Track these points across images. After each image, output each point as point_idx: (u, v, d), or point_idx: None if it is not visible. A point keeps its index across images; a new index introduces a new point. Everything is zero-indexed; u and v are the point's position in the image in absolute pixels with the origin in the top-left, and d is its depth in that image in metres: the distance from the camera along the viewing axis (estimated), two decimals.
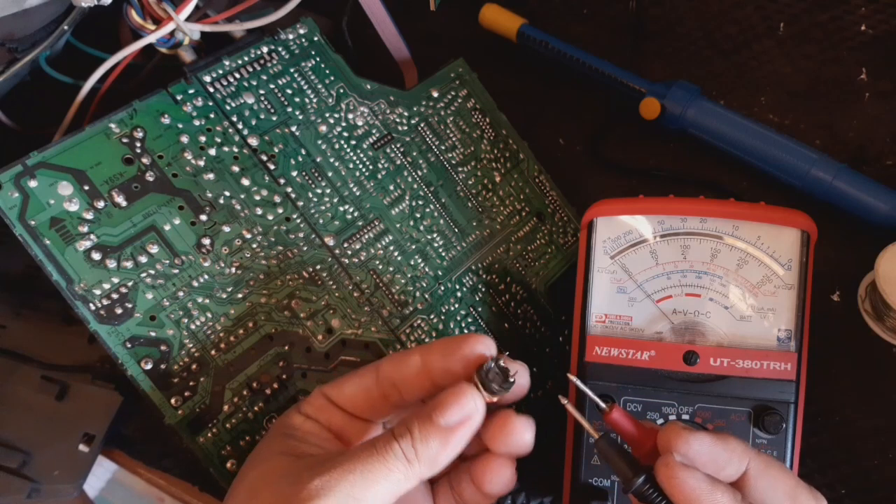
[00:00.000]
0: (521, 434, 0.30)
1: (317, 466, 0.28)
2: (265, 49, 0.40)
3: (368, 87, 0.42)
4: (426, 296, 0.40)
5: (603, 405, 0.30)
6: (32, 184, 0.33)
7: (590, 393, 0.30)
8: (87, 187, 0.34)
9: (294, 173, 0.38)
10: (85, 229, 0.34)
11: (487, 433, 0.31)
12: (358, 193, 0.40)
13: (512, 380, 0.30)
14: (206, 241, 0.36)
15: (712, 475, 0.28)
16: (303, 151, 0.39)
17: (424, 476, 0.29)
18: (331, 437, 0.31)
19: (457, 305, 0.40)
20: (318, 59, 0.41)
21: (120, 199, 0.35)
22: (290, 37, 0.41)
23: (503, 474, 0.31)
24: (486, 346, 0.30)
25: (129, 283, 0.34)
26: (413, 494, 0.31)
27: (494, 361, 0.30)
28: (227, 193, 0.37)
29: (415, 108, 0.43)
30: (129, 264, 0.34)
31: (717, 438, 0.29)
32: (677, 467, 0.28)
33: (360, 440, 0.32)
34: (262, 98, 0.39)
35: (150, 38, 0.39)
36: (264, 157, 0.38)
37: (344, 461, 0.28)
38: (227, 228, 0.37)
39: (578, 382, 0.30)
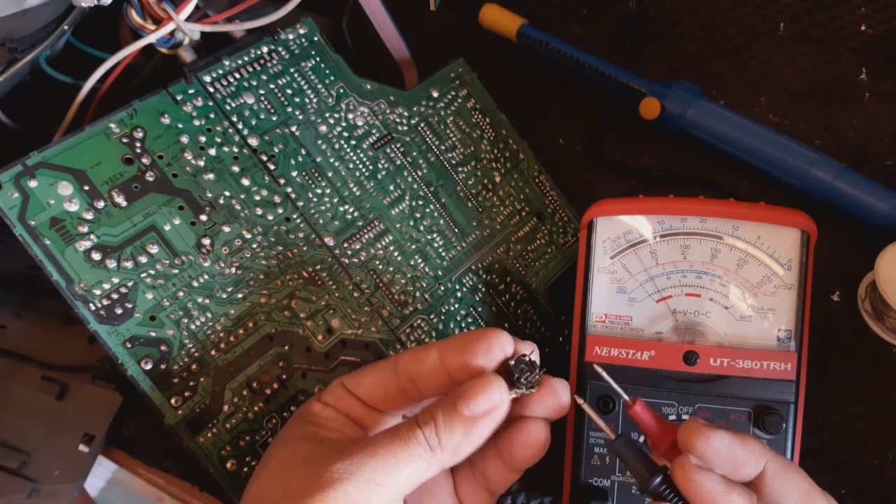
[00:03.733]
0: (540, 441, 0.31)
1: (340, 450, 0.28)
2: (265, 49, 0.40)
3: (368, 87, 0.42)
4: (426, 296, 0.40)
5: (626, 397, 0.30)
6: (32, 184, 0.33)
7: (613, 384, 0.30)
8: (87, 187, 0.34)
9: (294, 173, 0.38)
10: (85, 229, 0.34)
11: (506, 443, 0.31)
12: (358, 193, 0.40)
13: (538, 375, 0.30)
14: (206, 242, 0.36)
15: (729, 475, 0.29)
16: (303, 151, 0.39)
17: (446, 464, 0.29)
18: (350, 423, 0.31)
19: (457, 305, 0.40)
20: (318, 59, 0.41)
21: (120, 199, 0.35)
22: (290, 37, 0.41)
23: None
24: (502, 342, 0.30)
25: (129, 284, 0.34)
26: (433, 478, 0.31)
27: (525, 356, 0.30)
28: (227, 193, 0.37)
29: (415, 108, 0.43)
30: (129, 264, 0.34)
31: (736, 437, 0.29)
32: (693, 469, 0.28)
33: (379, 428, 0.32)
34: (262, 98, 0.39)
35: (150, 38, 0.39)
36: (264, 157, 0.38)
37: (367, 446, 0.28)
38: (227, 228, 0.37)
39: (604, 373, 0.30)
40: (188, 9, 0.39)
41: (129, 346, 0.33)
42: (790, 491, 0.29)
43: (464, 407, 0.28)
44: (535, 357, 0.31)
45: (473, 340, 0.30)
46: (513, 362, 0.30)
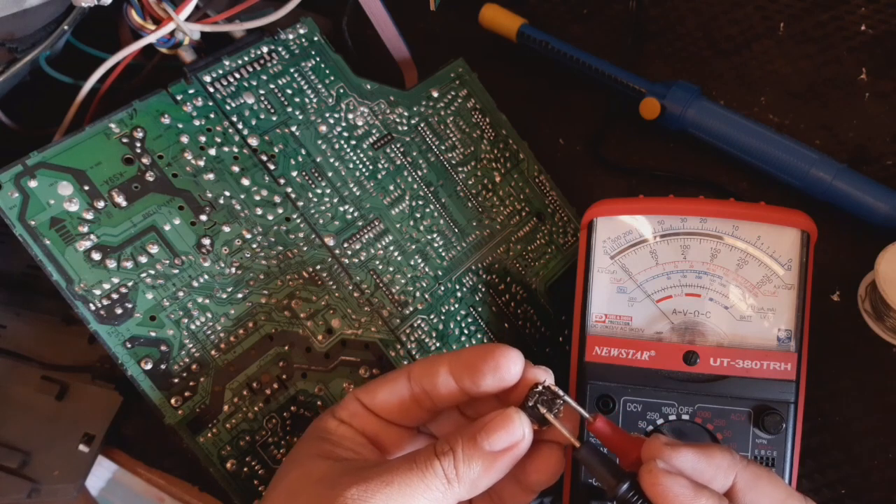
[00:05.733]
0: (557, 470, 0.30)
1: (354, 473, 0.27)
2: (265, 49, 0.40)
3: (368, 87, 0.42)
4: (426, 296, 0.40)
5: (587, 415, 0.30)
6: (32, 184, 0.33)
7: (573, 403, 0.30)
8: (87, 187, 0.34)
9: (294, 173, 0.38)
10: (85, 229, 0.34)
11: (520, 467, 0.30)
12: (358, 193, 0.40)
13: (561, 405, 0.29)
14: (206, 241, 0.36)
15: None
16: (303, 151, 0.39)
17: (463, 497, 0.28)
18: (365, 443, 0.31)
19: (457, 305, 0.40)
20: (318, 59, 0.41)
21: (120, 199, 0.35)
22: (290, 37, 0.41)
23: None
24: (510, 362, 0.29)
25: (129, 283, 0.34)
26: None
27: (542, 386, 0.29)
28: (227, 193, 0.37)
29: (415, 108, 0.43)
30: (129, 264, 0.34)
31: (700, 453, 0.28)
32: (660, 474, 0.27)
33: (396, 446, 0.31)
34: (262, 98, 0.39)
35: (150, 38, 0.39)
36: (264, 157, 0.38)
37: (383, 472, 0.27)
38: (227, 228, 0.37)
39: (567, 397, 0.30)
40: (188, 9, 0.39)
41: (129, 346, 0.33)
42: (764, 502, 0.28)
43: (485, 441, 0.28)
44: (551, 382, 0.30)
45: (480, 360, 0.29)
46: (537, 391, 0.29)
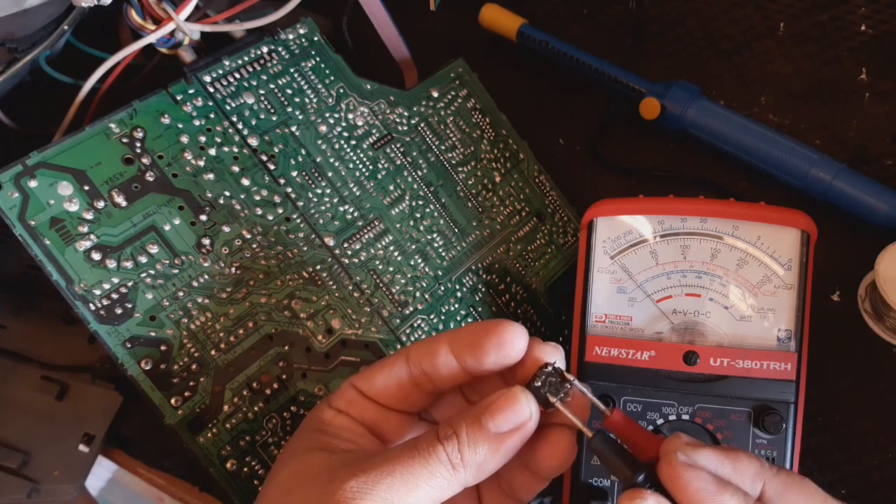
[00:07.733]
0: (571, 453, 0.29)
1: (353, 465, 0.26)
2: (265, 49, 0.40)
3: (368, 87, 0.42)
4: (426, 296, 0.40)
5: (603, 408, 0.29)
6: (32, 184, 0.33)
7: (590, 395, 0.29)
8: (87, 187, 0.34)
9: (294, 173, 0.38)
10: (85, 229, 0.34)
11: (530, 453, 0.29)
12: (358, 193, 0.40)
13: (569, 387, 0.28)
14: (206, 241, 0.36)
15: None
16: (303, 151, 0.39)
17: (469, 483, 0.27)
18: (364, 433, 0.29)
19: (457, 305, 0.40)
20: (318, 59, 0.41)
21: (120, 199, 0.35)
22: (290, 37, 0.41)
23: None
24: (514, 337, 0.28)
25: (129, 283, 0.34)
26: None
27: (551, 367, 0.28)
28: (227, 193, 0.37)
29: (415, 108, 0.43)
30: (129, 264, 0.34)
31: (725, 456, 0.27)
32: (682, 466, 0.26)
33: (396, 434, 0.30)
34: (262, 98, 0.39)
35: (150, 38, 0.39)
36: (264, 157, 0.38)
37: (383, 462, 0.26)
38: (227, 228, 0.37)
39: (579, 384, 0.29)
40: (188, 9, 0.39)
41: (129, 346, 0.33)
42: None
43: (489, 422, 0.27)
44: (561, 362, 0.29)
45: (483, 336, 0.28)
46: (539, 373, 0.28)
